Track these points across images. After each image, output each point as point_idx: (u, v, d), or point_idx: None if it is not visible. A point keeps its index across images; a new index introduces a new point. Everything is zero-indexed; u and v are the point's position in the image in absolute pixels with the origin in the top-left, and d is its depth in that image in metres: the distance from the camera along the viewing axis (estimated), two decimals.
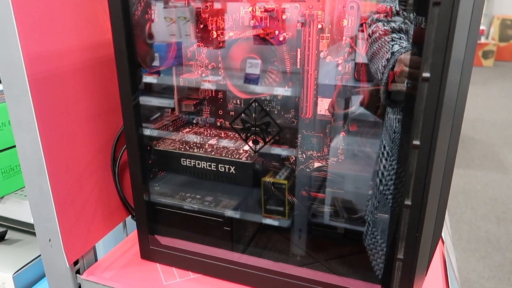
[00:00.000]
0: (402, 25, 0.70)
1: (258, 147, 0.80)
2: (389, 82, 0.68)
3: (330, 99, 0.88)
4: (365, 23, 0.77)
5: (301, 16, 0.84)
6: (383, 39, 0.70)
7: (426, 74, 0.60)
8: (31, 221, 1.19)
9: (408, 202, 0.66)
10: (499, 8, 6.64)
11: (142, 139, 0.85)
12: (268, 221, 0.90)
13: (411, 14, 0.70)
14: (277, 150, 0.88)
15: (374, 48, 0.71)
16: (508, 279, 2.09)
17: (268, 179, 0.87)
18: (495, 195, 2.91)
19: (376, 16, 0.74)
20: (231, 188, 0.87)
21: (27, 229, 1.27)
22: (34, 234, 1.23)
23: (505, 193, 2.93)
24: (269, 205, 0.87)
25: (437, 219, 0.75)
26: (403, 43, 0.68)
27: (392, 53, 0.67)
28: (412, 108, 0.62)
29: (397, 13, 0.71)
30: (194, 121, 1.01)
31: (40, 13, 0.75)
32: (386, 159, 0.76)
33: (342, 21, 0.83)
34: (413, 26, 0.69)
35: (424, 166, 0.63)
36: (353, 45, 0.82)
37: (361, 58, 0.82)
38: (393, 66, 0.66)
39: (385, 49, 0.69)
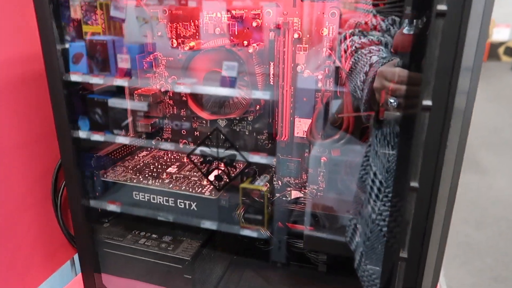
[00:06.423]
0: (382, 38, 0.59)
1: (222, 183, 0.67)
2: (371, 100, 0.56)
3: (309, 120, 0.76)
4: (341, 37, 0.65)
5: (274, 23, 0.72)
6: (359, 52, 0.58)
7: (427, 102, 0.48)
8: None
9: (403, 254, 0.55)
10: None
11: (84, 168, 0.71)
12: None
13: (391, 27, 0.58)
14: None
15: (351, 63, 0.59)
16: (489, 285, 2.04)
17: (238, 211, 0.74)
18: (473, 198, 2.88)
19: (350, 31, 0.62)
20: (194, 226, 0.73)
21: None
22: None
23: (483, 195, 2.91)
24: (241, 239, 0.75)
25: (436, 265, 0.64)
26: (382, 54, 0.56)
27: (371, 65, 0.55)
28: (409, 142, 0.50)
29: (374, 28, 0.60)
30: (152, 144, 0.87)
31: None
32: (379, 189, 0.64)
33: (322, 29, 0.71)
34: (394, 32, 0.57)
35: (424, 214, 0.52)
36: (335, 58, 0.70)
37: (345, 73, 0.70)
38: (373, 80, 0.54)
39: (362, 62, 0.57)
